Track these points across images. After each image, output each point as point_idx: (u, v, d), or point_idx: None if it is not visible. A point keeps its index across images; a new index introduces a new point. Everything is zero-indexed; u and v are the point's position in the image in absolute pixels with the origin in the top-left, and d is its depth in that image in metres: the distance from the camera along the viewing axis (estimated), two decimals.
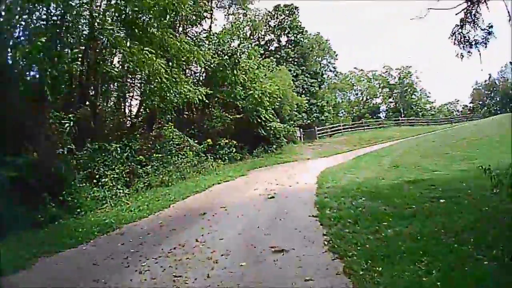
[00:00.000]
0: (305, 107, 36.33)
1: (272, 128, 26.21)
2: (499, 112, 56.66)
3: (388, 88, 64.73)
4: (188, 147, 18.84)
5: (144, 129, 19.11)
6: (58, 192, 10.79)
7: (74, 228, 9.53)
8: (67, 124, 12.38)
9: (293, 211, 10.01)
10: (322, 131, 38.98)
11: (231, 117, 23.71)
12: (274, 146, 26.63)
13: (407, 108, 61.12)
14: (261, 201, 11.80)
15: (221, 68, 23.50)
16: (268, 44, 42.34)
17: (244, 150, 24.43)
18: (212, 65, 23.11)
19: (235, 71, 23.58)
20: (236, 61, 23.76)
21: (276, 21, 42.39)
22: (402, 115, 55.80)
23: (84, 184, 12.19)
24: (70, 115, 12.61)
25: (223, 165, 20.94)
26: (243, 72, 24.24)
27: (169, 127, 18.64)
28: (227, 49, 23.78)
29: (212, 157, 20.56)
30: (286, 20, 41.99)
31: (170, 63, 17.25)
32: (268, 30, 42.26)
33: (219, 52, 23.64)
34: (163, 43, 16.74)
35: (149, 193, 13.94)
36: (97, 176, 12.99)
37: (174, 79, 17.00)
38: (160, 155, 16.64)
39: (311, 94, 40.23)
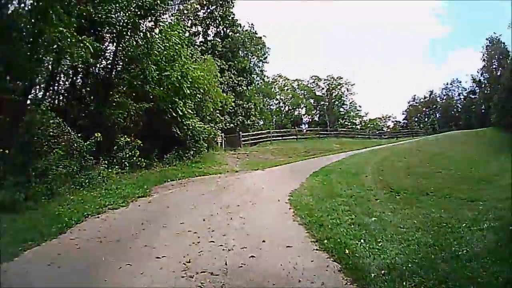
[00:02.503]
0: (230, 107, 30.65)
1: (190, 127, 19.89)
2: (437, 129, 60.04)
3: (313, 99, 62.51)
4: (69, 142, 12.40)
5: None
6: None
7: None
8: None
9: None
10: (247, 138, 33.51)
11: (136, 105, 17.22)
12: (192, 152, 20.01)
13: (334, 121, 59.45)
14: None
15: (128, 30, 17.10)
16: (194, 37, 36.23)
17: (153, 155, 17.83)
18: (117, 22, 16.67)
19: (148, 35, 17.21)
20: (152, 24, 17.55)
21: (206, 11, 36.77)
22: (328, 128, 52.22)
23: None
24: None
25: (120, 174, 14.70)
26: (160, 44, 18.01)
27: (41, 109, 12.42)
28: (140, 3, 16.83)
29: (106, 162, 14.32)
30: (218, 10, 36.42)
31: None
32: (195, 21, 36.51)
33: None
34: None
35: None
36: None
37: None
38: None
39: (237, 94, 34.91)
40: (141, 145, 16.39)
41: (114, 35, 17.44)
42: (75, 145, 12.63)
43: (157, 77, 17.99)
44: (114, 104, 16.97)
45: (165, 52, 18.50)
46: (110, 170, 14.06)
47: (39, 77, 14.30)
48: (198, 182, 14.91)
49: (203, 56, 26.87)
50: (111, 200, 10.78)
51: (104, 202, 10.43)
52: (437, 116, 74.43)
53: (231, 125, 33.67)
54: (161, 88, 18.33)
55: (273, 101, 61.67)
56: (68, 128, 12.76)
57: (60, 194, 10.89)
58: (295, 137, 39.57)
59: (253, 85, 42.94)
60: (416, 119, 76.46)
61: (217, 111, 27.60)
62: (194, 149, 20.27)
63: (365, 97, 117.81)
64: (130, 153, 15.90)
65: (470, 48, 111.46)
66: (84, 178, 12.35)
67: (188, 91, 19.40)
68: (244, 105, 36.56)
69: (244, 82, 37.26)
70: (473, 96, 67.66)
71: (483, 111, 59.81)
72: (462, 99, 71.69)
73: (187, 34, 27.46)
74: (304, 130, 52.14)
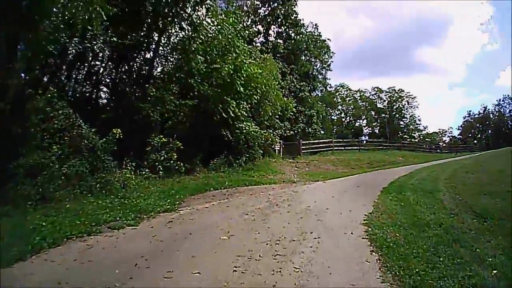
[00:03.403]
0: (291, 113, 27.11)
1: (244, 131, 16.86)
2: (491, 145, 58.00)
3: (374, 111, 61.97)
4: (79, 138, 9.74)
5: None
6: None
7: None
8: None
9: None
10: (307, 147, 29.87)
11: (177, 102, 14.53)
12: (244, 159, 16.95)
13: (393, 134, 57.81)
14: None
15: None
16: (254, 37, 32.45)
17: (196, 159, 15.01)
18: None
19: (194, 17, 14.52)
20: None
21: (267, 9, 33.65)
22: (388, 140, 48.66)
23: None
24: None
25: (152, 179, 12.03)
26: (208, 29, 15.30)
27: (47, 96, 9.87)
28: None
29: (133, 164, 11.63)
30: (280, 8, 33.08)
31: None
32: (255, 19, 33.51)
33: None
34: None
35: None
36: None
37: None
38: None
39: (298, 100, 31.45)
40: (182, 147, 13.69)
41: (156, 23, 14.90)
42: (86, 141, 9.92)
43: (204, 70, 15.32)
44: (149, 99, 14.23)
45: (216, 41, 15.80)
46: (134, 174, 11.28)
47: (51, 60, 11.69)
48: (245, 194, 11.71)
49: (262, 56, 23.74)
50: (118, 213, 7.89)
51: (106, 217, 7.53)
52: (490, 132, 72.16)
53: (291, 132, 30.49)
54: (210, 84, 15.68)
55: (334, 111, 59.45)
56: (80, 120, 10.10)
57: (55, 199, 8.33)
58: (357, 148, 36.58)
59: (316, 92, 39.47)
60: (470, 134, 73.50)
61: (277, 117, 24.48)
62: (247, 155, 17.31)
63: (422, 111, 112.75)
64: (165, 156, 13.17)
65: None
66: (95, 182, 9.62)
67: (242, 89, 16.56)
68: (306, 112, 33.09)
69: (307, 88, 33.88)
70: None
71: None
72: None
73: (247, 32, 24.21)
74: (365, 142, 48.64)
